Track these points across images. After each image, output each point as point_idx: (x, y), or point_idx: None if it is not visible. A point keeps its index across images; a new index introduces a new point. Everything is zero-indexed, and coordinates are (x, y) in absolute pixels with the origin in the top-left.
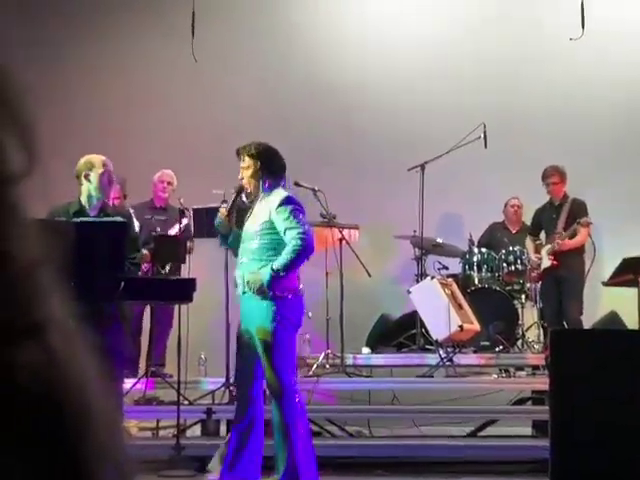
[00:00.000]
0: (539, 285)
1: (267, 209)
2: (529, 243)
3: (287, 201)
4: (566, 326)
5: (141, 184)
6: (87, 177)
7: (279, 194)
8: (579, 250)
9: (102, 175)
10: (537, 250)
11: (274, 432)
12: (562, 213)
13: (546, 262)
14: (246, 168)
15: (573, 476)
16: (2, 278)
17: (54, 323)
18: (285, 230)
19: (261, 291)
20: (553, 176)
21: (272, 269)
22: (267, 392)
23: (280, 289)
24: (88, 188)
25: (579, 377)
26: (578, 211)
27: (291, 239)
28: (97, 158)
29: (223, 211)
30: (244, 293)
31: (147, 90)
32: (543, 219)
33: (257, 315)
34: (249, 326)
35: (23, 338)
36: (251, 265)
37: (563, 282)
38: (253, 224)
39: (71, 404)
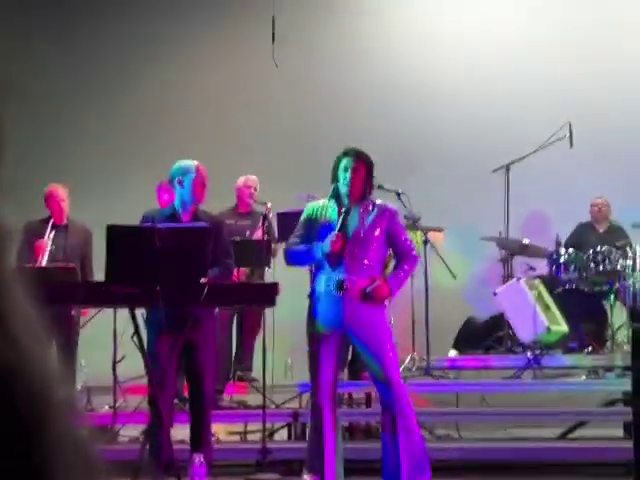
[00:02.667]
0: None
1: (377, 217)
2: None
3: (399, 212)
4: None
5: (222, 189)
6: (180, 182)
7: (383, 203)
8: None
9: (195, 180)
10: None
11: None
12: None
13: None
14: (356, 171)
15: None
16: None
17: (16, 313)
18: (405, 240)
19: (381, 299)
20: None
21: (396, 279)
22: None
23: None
24: (181, 193)
25: None
26: None
27: (409, 251)
28: (190, 163)
29: (338, 237)
30: (342, 296)
31: (228, 94)
32: None
33: (369, 318)
34: (353, 327)
35: None
36: (360, 270)
37: None
38: (361, 229)
39: (27, 392)
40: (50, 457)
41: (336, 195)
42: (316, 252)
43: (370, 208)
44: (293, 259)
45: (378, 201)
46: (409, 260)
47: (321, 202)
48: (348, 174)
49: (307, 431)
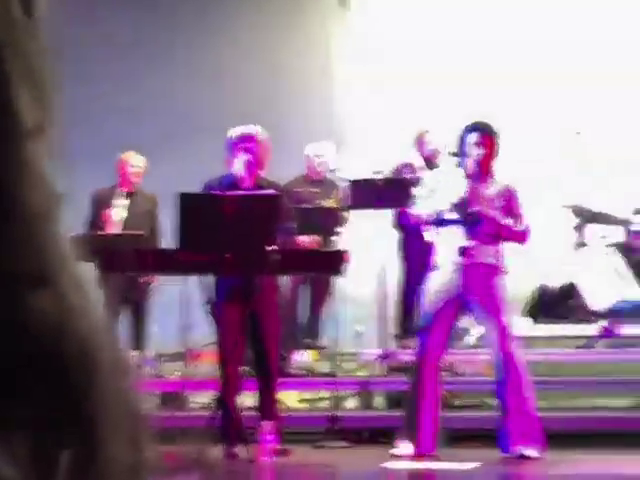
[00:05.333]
0: None
1: (497, 193)
2: None
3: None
4: None
5: (293, 156)
6: (240, 149)
7: (503, 181)
8: None
9: (257, 146)
10: None
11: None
12: None
13: None
14: (486, 147)
15: None
16: (17, 228)
17: (66, 273)
18: (519, 215)
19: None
20: None
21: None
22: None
23: None
24: (242, 160)
25: None
26: None
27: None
28: (252, 129)
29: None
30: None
31: (298, 57)
32: None
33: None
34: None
35: (36, 286)
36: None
37: None
38: (489, 205)
39: (78, 351)
40: (97, 412)
41: (464, 167)
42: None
43: (490, 183)
44: (407, 219)
45: (497, 179)
46: (521, 231)
47: (441, 173)
48: (476, 149)
49: (405, 399)
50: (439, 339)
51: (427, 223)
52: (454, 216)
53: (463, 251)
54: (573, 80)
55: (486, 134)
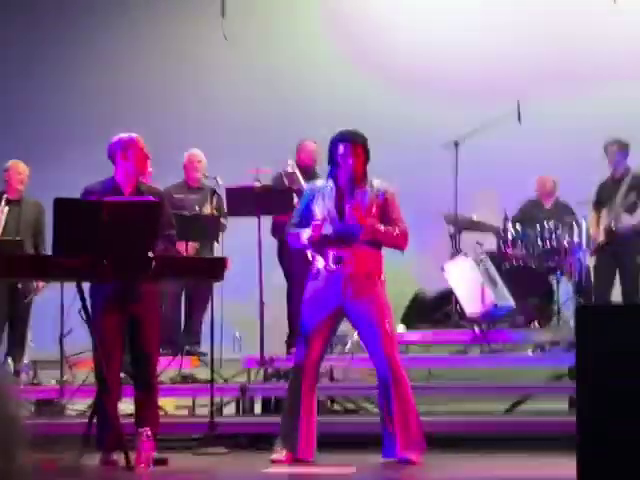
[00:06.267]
0: (584, 261)
1: (374, 197)
2: (591, 218)
3: (396, 193)
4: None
5: (173, 164)
6: (121, 156)
7: (381, 183)
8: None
9: (136, 153)
10: (598, 225)
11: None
12: (622, 187)
13: (601, 237)
14: (357, 156)
15: (600, 450)
16: None
17: None
18: (396, 219)
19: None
20: (611, 148)
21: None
22: None
23: None
24: (124, 167)
25: (605, 354)
26: (638, 187)
27: (398, 227)
28: (131, 136)
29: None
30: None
31: (178, 69)
32: (603, 193)
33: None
34: (349, 301)
35: None
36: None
37: (619, 259)
38: (358, 210)
39: None
40: None
41: (334, 177)
42: (302, 237)
43: (368, 189)
44: (290, 241)
45: (376, 181)
46: (398, 235)
47: (319, 183)
48: (348, 160)
49: (282, 405)
50: (318, 345)
51: (308, 246)
52: (329, 229)
53: (341, 259)
54: (448, 95)
55: (354, 143)
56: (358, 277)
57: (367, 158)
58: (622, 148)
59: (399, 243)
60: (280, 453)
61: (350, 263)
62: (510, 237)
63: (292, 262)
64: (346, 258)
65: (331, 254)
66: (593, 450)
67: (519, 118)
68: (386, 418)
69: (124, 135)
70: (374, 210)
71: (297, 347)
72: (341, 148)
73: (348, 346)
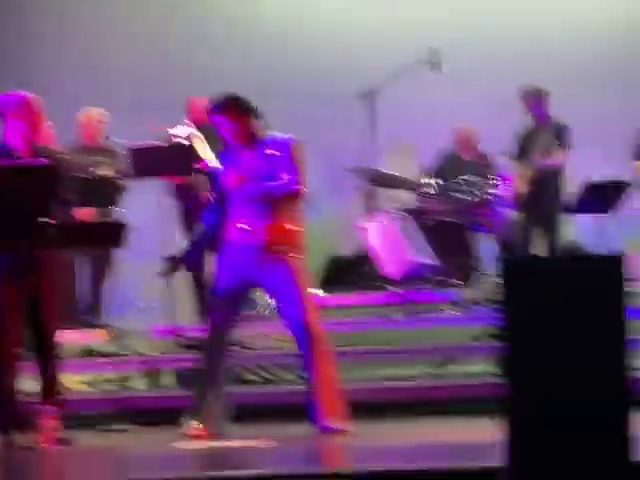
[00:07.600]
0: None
1: (274, 149)
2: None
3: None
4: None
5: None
6: (14, 116)
7: (276, 135)
8: (555, 174)
9: (30, 114)
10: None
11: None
12: (540, 136)
13: (522, 187)
14: (232, 119)
15: (527, 412)
16: None
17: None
18: (295, 167)
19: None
20: (527, 96)
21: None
22: None
23: None
24: (15, 128)
25: (532, 309)
26: (558, 134)
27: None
28: (23, 95)
29: None
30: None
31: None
32: (523, 143)
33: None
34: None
35: None
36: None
37: (537, 209)
38: (257, 169)
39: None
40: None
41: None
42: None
43: (256, 148)
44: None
45: (273, 134)
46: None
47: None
48: (228, 127)
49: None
50: (228, 315)
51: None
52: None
53: (251, 229)
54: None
55: (224, 109)
56: (272, 243)
57: (244, 117)
58: (538, 95)
59: (292, 190)
60: (191, 427)
61: (259, 231)
62: (429, 192)
63: (197, 227)
64: (254, 227)
65: (239, 224)
66: (520, 411)
67: (436, 68)
68: (310, 386)
69: (16, 93)
70: (271, 161)
71: (208, 316)
72: (216, 118)
73: (261, 312)
